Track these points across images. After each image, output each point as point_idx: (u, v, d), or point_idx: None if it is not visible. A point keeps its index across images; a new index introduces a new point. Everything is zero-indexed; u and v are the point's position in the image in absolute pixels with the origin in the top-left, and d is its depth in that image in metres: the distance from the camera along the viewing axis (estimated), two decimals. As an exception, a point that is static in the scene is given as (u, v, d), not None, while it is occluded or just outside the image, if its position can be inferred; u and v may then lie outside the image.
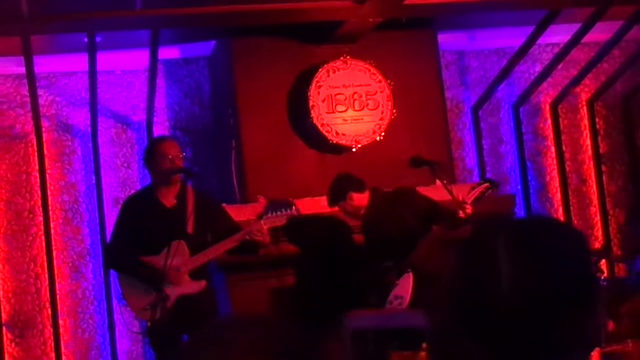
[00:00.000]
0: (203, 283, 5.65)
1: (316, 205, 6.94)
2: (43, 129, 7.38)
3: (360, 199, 6.02)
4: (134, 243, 5.77)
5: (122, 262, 5.84)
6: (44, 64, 7.35)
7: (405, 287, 5.96)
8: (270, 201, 5.89)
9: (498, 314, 1.82)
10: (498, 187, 6.24)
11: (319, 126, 7.16)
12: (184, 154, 5.90)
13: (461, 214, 5.88)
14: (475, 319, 1.84)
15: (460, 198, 5.94)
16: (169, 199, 5.74)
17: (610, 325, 4.93)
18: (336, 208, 6.20)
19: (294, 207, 5.67)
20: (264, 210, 5.69)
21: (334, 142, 7.18)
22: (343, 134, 7.21)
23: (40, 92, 7.32)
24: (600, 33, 7.65)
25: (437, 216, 5.89)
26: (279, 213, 5.65)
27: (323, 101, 7.20)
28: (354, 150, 7.20)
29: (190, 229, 5.62)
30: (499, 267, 1.83)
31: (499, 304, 1.81)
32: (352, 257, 6.11)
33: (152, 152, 5.82)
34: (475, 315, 1.85)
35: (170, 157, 5.70)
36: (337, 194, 6.17)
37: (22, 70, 6.95)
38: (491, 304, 1.82)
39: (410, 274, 5.93)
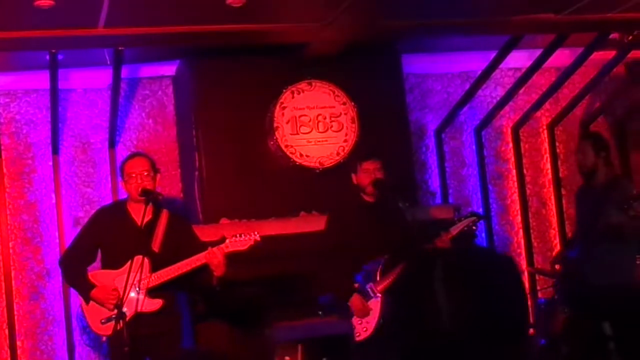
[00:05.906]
0: (160, 301, 5.59)
1: (279, 226, 6.93)
2: (2, 147, 7.29)
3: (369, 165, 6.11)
4: (100, 255, 5.73)
5: (71, 273, 5.76)
6: (4, 81, 7.28)
7: (372, 311, 5.91)
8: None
9: (440, 344, 1.86)
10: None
11: (282, 147, 7.16)
12: (155, 172, 5.76)
13: (439, 242, 5.90)
14: (420, 350, 1.89)
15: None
16: (140, 216, 5.67)
17: None
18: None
19: (257, 234, 5.64)
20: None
21: (298, 163, 7.17)
22: (307, 156, 7.20)
23: None
24: (561, 59, 7.76)
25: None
26: (243, 237, 5.61)
27: (287, 122, 7.20)
28: (317, 172, 7.19)
29: (156, 247, 5.56)
30: (437, 301, 1.87)
31: (440, 335, 1.85)
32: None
33: (122, 170, 5.76)
34: (420, 346, 1.89)
35: (134, 175, 5.63)
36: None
37: (-18, 87, 6.89)
38: (432, 335, 1.86)
39: (379, 298, 5.89)
